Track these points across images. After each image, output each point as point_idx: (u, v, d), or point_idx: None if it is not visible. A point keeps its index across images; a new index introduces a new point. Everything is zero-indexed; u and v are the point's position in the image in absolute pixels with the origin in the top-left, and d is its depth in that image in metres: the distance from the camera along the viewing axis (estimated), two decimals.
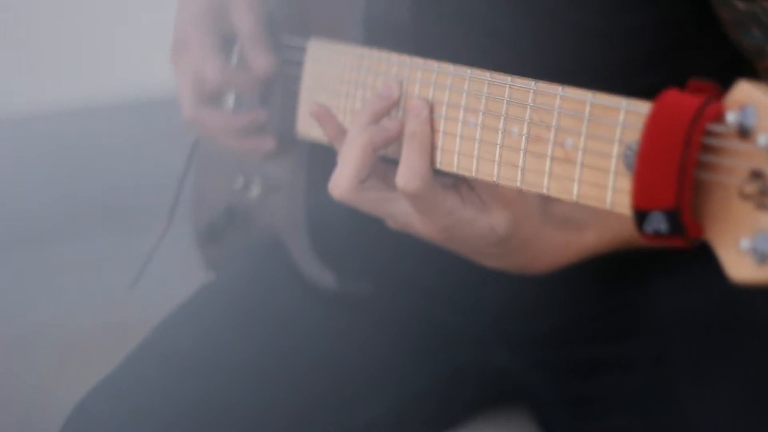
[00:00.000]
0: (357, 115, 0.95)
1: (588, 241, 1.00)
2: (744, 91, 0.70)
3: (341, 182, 0.93)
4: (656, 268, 1.11)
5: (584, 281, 1.10)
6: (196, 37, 1.18)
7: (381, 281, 1.16)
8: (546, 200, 0.96)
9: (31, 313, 2.38)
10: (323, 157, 1.08)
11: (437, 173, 0.92)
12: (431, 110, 0.92)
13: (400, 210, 0.94)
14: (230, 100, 1.22)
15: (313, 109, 1.00)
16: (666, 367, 1.10)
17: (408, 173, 0.90)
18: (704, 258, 0.76)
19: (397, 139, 0.93)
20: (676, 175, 0.71)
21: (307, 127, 1.10)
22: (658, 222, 0.72)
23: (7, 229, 2.76)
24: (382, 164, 0.95)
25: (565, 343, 1.15)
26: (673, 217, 0.71)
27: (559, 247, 0.98)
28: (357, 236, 1.13)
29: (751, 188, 0.69)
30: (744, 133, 0.69)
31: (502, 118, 0.86)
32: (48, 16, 3.31)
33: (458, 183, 0.93)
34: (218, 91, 1.18)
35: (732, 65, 1.01)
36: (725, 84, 0.73)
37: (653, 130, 0.72)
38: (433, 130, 0.91)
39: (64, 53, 3.30)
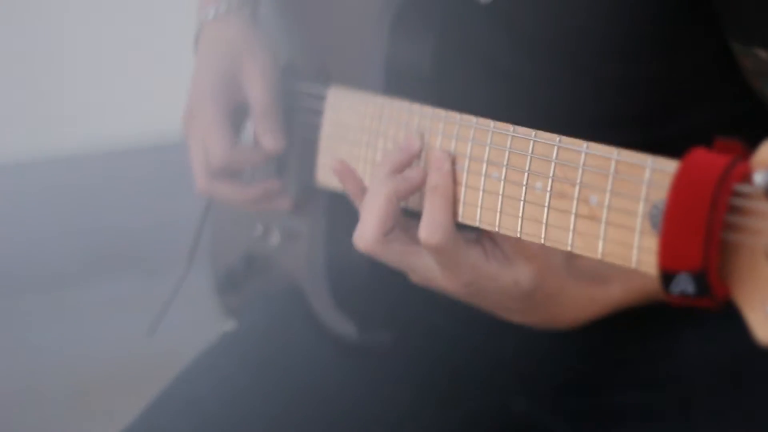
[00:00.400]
0: (378, 167, 0.94)
1: (613, 295, 0.98)
2: None
3: (366, 234, 0.92)
4: (682, 317, 1.10)
5: (609, 329, 1.09)
6: (206, 109, 1.16)
7: (400, 330, 1.15)
8: (570, 254, 0.95)
9: (50, 357, 2.38)
10: (342, 206, 1.07)
11: (460, 227, 0.91)
12: (453, 163, 0.91)
13: (423, 264, 0.93)
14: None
15: (335, 166, 0.99)
16: (690, 416, 1.08)
17: (430, 226, 0.89)
18: (730, 308, 0.75)
19: (420, 188, 0.92)
20: (703, 237, 0.70)
21: (327, 176, 1.09)
22: (684, 283, 0.72)
23: (26, 274, 2.77)
24: (406, 218, 0.94)
25: (589, 391, 1.14)
26: (700, 279, 0.71)
27: (584, 302, 0.97)
28: (377, 285, 1.12)
29: None
30: None
31: (526, 172, 0.85)
32: (73, 63, 3.34)
33: (481, 237, 0.92)
34: (227, 168, 1.16)
35: (754, 115, 1.01)
36: (748, 134, 0.72)
37: (680, 190, 0.72)
38: (455, 183, 0.91)
39: (84, 98, 3.33)
